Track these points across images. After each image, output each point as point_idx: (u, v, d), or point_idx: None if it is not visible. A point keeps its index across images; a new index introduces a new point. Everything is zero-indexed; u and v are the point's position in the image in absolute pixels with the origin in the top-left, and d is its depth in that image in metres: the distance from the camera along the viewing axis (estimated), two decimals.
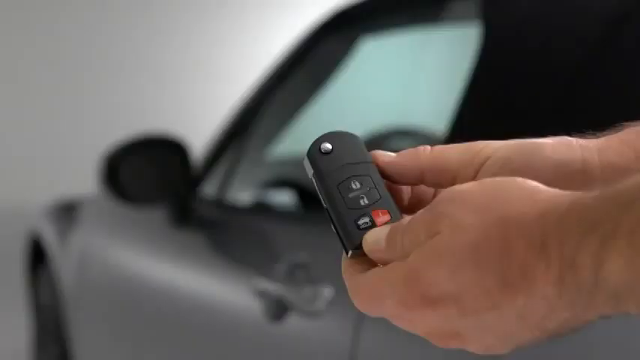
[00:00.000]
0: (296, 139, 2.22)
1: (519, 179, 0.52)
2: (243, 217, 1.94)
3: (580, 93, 1.12)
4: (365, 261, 0.57)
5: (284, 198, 2.13)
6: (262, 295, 1.49)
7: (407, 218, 0.55)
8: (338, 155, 0.62)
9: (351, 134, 0.64)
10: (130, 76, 4.79)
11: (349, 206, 0.59)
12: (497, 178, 0.53)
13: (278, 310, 1.44)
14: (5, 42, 4.53)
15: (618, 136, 0.61)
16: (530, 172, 0.57)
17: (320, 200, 0.61)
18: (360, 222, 0.58)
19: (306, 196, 2.11)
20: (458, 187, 0.53)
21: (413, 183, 0.62)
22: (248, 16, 5.01)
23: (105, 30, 4.74)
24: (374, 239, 0.57)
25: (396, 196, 0.62)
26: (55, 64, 4.62)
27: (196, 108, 4.85)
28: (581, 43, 1.15)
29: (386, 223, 0.58)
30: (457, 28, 1.75)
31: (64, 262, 2.72)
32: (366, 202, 0.59)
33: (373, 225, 0.58)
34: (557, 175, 0.59)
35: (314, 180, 0.62)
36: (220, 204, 2.06)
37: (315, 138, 0.63)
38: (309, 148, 0.62)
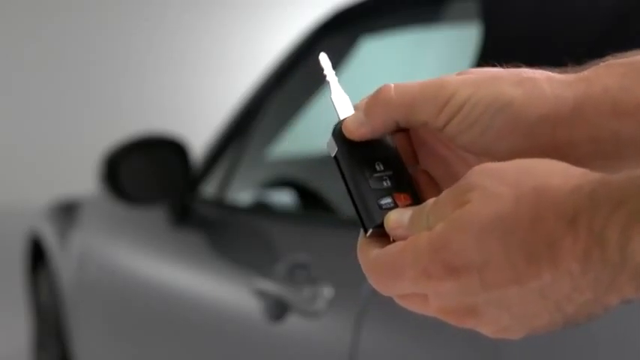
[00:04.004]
0: (296, 139, 2.22)
1: (550, 160, 0.52)
2: (243, 217, 1.94)
3: None
4: (382, 241, 0.56)
5: (284, 198, 2.13)
6: (262, 295, 1.49)
7: (431, 200, 0.55)
8: None
9: None
10: (130, 76, 4.79)
11: (372, 186, 0.58)
12: (530, 159, 0.53)
13: (278, 310, 1.44)
14: (5, 42, 4.53)
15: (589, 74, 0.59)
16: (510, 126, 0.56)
17: (342, 179, 0.60)
18: (382, 202, 0.57)
19: (306, 196, 2.10)
20: (490, 163, 0.53)
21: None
22: (248, 16, 5.01)
23: (105, 31, 4.74)
24: (397, 217, 0.56)
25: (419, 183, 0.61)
26: (55, 64, 4.62)
27: (196, 108, 4.85)
28: (581, 43, 1.15)
29: (407, 206, 0.57)
30: (457, 28, 1.75)
31: (64, 262, 2.72)
32: (389, 184, 0.58)
33: (395, 206, 0.57)
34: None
35: (337, 159, 0.60)
36: (220, 204, 2.06)
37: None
38: (335, 127, 0.61)
